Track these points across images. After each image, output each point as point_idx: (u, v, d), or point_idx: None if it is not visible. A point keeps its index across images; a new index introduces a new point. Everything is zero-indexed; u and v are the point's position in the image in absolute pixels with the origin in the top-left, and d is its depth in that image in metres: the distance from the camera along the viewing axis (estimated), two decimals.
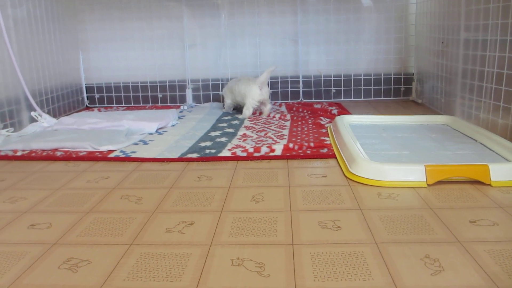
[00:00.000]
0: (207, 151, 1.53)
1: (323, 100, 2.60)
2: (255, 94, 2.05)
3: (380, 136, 1.60)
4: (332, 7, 2.50)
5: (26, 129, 1.91)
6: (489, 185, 1.15)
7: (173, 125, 2.00)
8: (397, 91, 2.58)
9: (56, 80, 2.31)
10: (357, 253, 0.82)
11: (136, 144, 1.67)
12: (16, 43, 1.97)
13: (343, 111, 2.17)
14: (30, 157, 1.55)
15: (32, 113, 2.01)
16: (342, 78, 2.58)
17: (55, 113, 2.27)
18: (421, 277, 0.73)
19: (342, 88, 2.59)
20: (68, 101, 2.45)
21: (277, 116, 2.10)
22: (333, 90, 2.59)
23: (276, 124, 1.94)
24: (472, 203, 1.05)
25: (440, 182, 1.17)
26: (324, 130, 1.79)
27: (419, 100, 2.43)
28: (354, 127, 1.71)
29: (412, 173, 1.17)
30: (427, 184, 1.16)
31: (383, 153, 1.40)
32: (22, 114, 1.99)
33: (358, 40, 2.54)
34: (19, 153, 1.59)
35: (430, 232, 0.90)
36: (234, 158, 1.46)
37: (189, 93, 2.61)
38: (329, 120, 1.99)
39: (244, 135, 1.75)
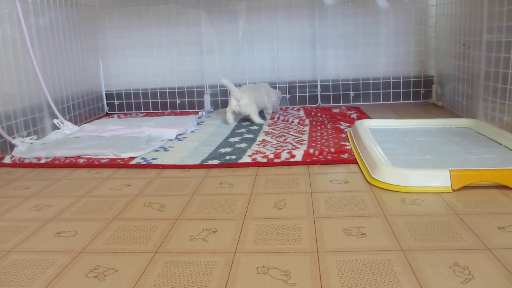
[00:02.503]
0: (227, 157, 1.54)
1: (341, 104, 2.59)
2: (230, 104, 2.08)
3: (402, 141, 1.58)
4: (350, 11, 2.49)
5: (48, 137, 1.95)
6: None
7: (192, 131, 2.01)
8: (417, 94, 2.55)
9: (77, 87, 2.35)
10: (384, 260, 0.81)
11: (156, 150, 1.68)
12: (39, 52, 2.01)
13: (362, 115, 2.15)
14: (54, 164, 1.57)
15: (55, 121, 2.05)
16: (361, 81, 2.56)
17: (76, 120, 2.31)
18: (450, 286, 0.72)
19: (361, 92, 2.57)
20: (89, 108, 2.48)
21: (296, 121, 2.09)
22: (352, 94, 2.58)
23: (295, 129, 1.93)
24: (500, 208, 1.03)
25: (465, 187, 1.15)
26: (344, 135, 1.78)
27: (440, 103, 2.40)
28: (374, 132, 1.70)
29: (436, 179, 1.15)
30: (452, 190, 1.14)
31: (405, 158, 1.38)
32: (45, 121, 2.03)
33: (376, 43, 2.53)
34: (43, 161, 1.62)
35: (458, 239, 0.88)
36: (255, 164, 1.46)
37: (207, 99, 2.62)
38: (349, 124, 1.97)
39: (264, 140, 1.75)
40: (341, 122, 2.01)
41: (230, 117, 2.11)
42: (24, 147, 1.75)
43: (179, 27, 2.58)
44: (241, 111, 2.07)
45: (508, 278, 0.74)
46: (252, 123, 2.11)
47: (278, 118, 2.19)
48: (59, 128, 2.04)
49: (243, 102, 2.04)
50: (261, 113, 2.25)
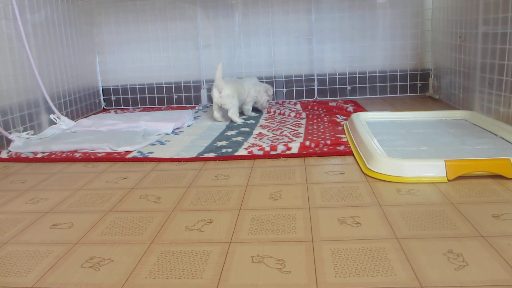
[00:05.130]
0: (224, 150, 1.54)
1: (338, 98, 2.59)
2: (213, 97, 1.98)
3: (398, 133, 1.59)
4: (347, 4, 2.49)
5: (45, 132, 1.94)
6: (511, 179, 1.13)
7: (189, 125, 2.01)
8: (414, 87, 2.56)
9: (73, 83, 2.34)
10: (378, 248, 0.81)
11: (153, 144, 1.68)
12: (35, 47, 2.00)
13: (359, 108, 2.16)
14: (50, 159, 1.57)
15: (51, 116, 2.05)
16: (357, 75, 2.56)
17: (73, 116, 2.30)
18: (444, 272, 0.72)
19: (357, 85, 2.57)
20: (86, 103, 2.48)
21: (292, 114, 2.09)
22: (348, 87, 2.58)
23: (291, 123, 1.94)
24: (495, 197, 1.03)
25: (460, 177, 1.15)
26: (340, 128, 1.78)
27: (436, 96, 2.41)
28: (370, 124, 1.70)
29: (432, 169, 1.15)
30: (448, 180, 1.14)
31: (401, 149, 1.38)
32: (41, 117, 2.02)
33: (373, 37, 2.52)
34: (39, 155, 1.61)
35: (452, 227, 0.89)
36: (251, 156, 1.46)
37: (204, 94, 2.62)
38: (345, 117, 1.97)
39: (260, 134, 1.75)
40: (337, 115, 2.02)
41: (217, 115, 2.04)
42: (20, 142, 1.75)
43: (176, 22, 2.58)
44: (222, 103, 1.97)
45: (502, 264, 0.74)
46: (245, 118, 2.11)
47: (275, 111, 2.19)
48: (55, 123, 2.04)
49: (224, 93, 1.94)
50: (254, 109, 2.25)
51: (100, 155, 1.57)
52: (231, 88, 1.96)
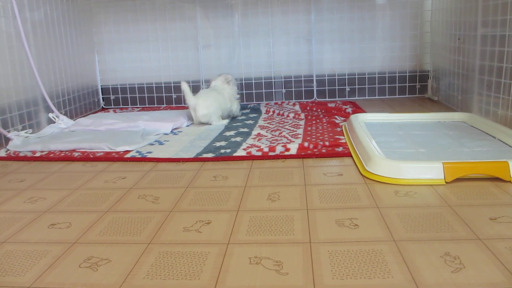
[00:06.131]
0: (222, 150, 1.54)
1: (337, 99, 2.59)
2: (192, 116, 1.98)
3: (396, 134, 1.59)
4: (346, 5, 2.49)
5: (44, 131, 1.94)
6: (509, 181, 1.13)
7: (187, 126, 2.01)
8: (413, 89, 2.56)
9: (72, 82, 2.34)
10: (376, 251, 0.82)
11: (151, 144, 1.68)
12: (34, 46, 2.00)
13: (358, 109, 2.16)
14: (49, 158, 1.57)
15: (50, 115, 2.04)
16: (356, 76, 2.56)
17: (72, 115, 2.30)
18: (441, 275, 0.73)
19: (357, 86, 2.58)
20: (85, 102, 2.48)
21: (291, 115, 2.09)
22: (347, 88, 2.58)
23: (290, 124, 1.94)
24: (492, 200, 1.03)
25: (458, 180, 1.15)
26: (339, 129, 1.78)
27: (435, 98, 2.41)
28: (369, 126, 1.70)
29: (430, 171, 1.15)
30: (445, 182, 1.14)
31: (400, 151, 1.39)
32: (40, 115, 2.02)
33: (372, 38, 2.53)
34: (37, 154, 1.61)
35: (450, 229, 0.89)
36: (249, 157, 1.46)
37: None
38: (344, 119, 1.98)
39: (259, 134, 1.75)
40: (336, 117, 2.02)
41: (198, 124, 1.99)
42: (19, 140, 1.75)
43: (175, 22, 2.58)
44: (201, 121, 1.95)
45: (498, 267, 0.74)
46: (244, 118, 2.11)
47: (274, 111, 2.19)
48: (54, 122, 2.04)
49: (200, 114, 1.93)
50: (255, 109, 2.25)
51: (98, 154, 1.57)
52: (205, 104, 1.93)
